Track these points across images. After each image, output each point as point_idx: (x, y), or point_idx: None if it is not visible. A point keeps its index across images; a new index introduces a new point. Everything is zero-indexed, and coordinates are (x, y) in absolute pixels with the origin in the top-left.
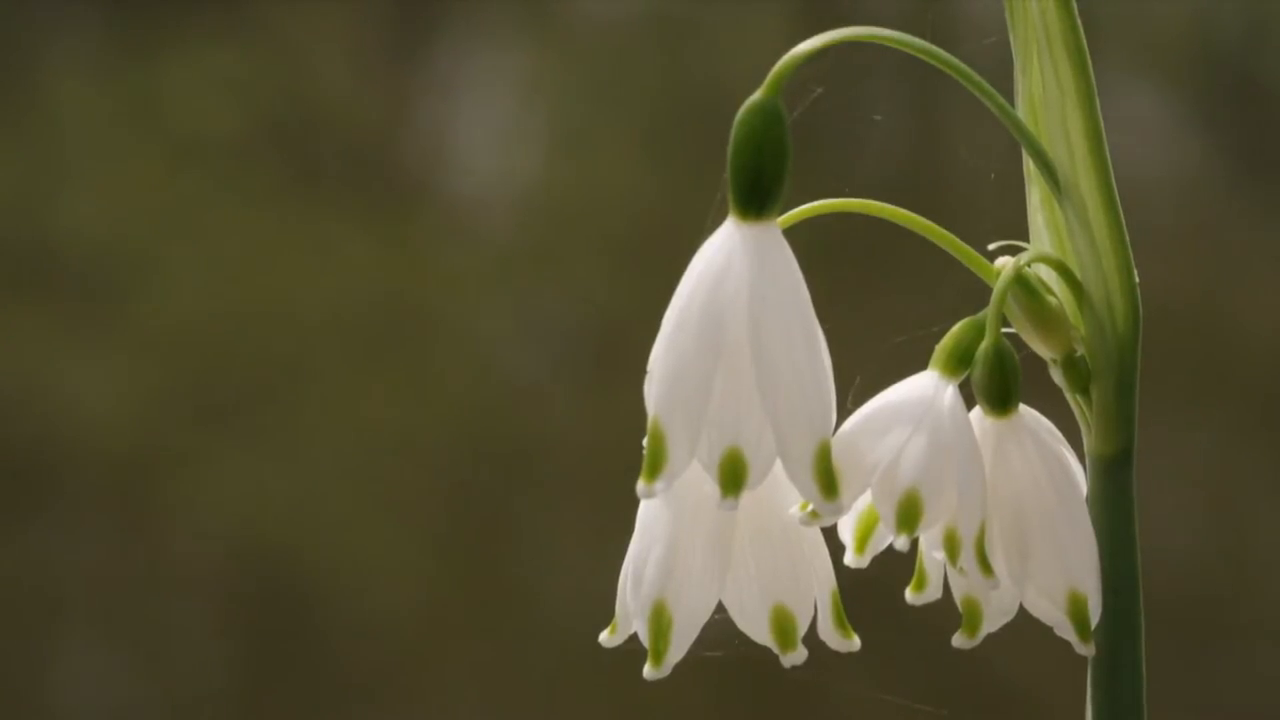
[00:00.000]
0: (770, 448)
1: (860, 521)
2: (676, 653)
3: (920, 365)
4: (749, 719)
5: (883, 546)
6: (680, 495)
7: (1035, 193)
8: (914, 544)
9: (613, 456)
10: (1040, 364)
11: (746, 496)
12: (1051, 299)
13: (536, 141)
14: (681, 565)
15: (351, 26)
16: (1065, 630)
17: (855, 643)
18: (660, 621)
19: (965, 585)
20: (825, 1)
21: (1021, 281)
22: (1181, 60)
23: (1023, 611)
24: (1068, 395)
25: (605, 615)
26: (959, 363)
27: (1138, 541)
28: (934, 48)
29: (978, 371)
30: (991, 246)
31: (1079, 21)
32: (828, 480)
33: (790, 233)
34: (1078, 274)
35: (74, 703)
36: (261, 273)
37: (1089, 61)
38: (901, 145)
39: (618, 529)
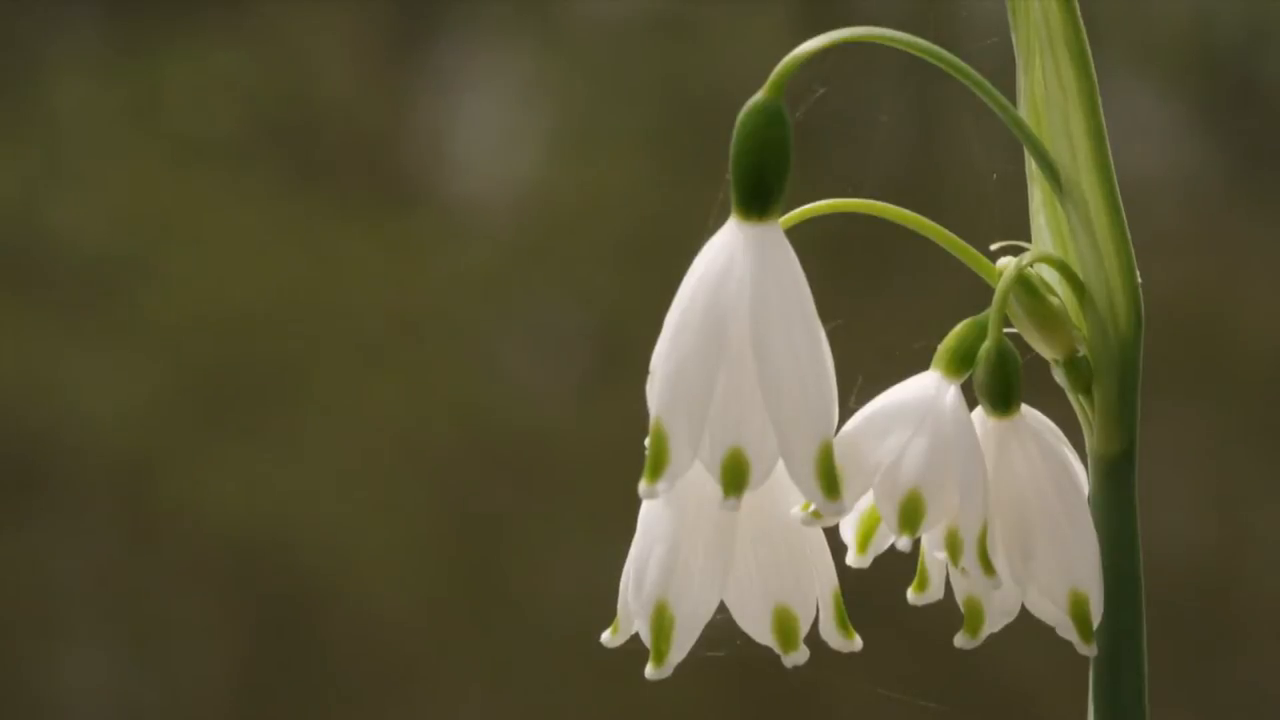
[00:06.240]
0: (772, 448)
1: (862, 522)
2: (678, 653)
3: (923, 365)
4: (750, 719)
5: (885, 547)
6: (682, 495)
7: (1037, 193)
8: (916, 544)
9: (614, 456)
10: (1042, 364)
11: (748, 497)
12: (1053, 299)
13: (537, 141)
14: (683, 565)
15: (352, 26)
16: (1067, 630)
17: (857, 643)
18: (662, 622)
19: (967, 585)
20: (826, 1)
21: (1023, 282)
22: (1182, 60)
23: (1024, 612)
24: (1070, 395)
25: (606, 615)
26: (961, 363)
27: (1139, 541)
28: (936, 48)
29: (980, 372)
30: (993, 247)
31: (1081, 21)
32: (830, 480)
33: (792, 233)
34: (1080, 274)
35: (74, 702)
36: (262, 272)
37: (1091, 61)
38: (903, 145)
39: (619, 529)
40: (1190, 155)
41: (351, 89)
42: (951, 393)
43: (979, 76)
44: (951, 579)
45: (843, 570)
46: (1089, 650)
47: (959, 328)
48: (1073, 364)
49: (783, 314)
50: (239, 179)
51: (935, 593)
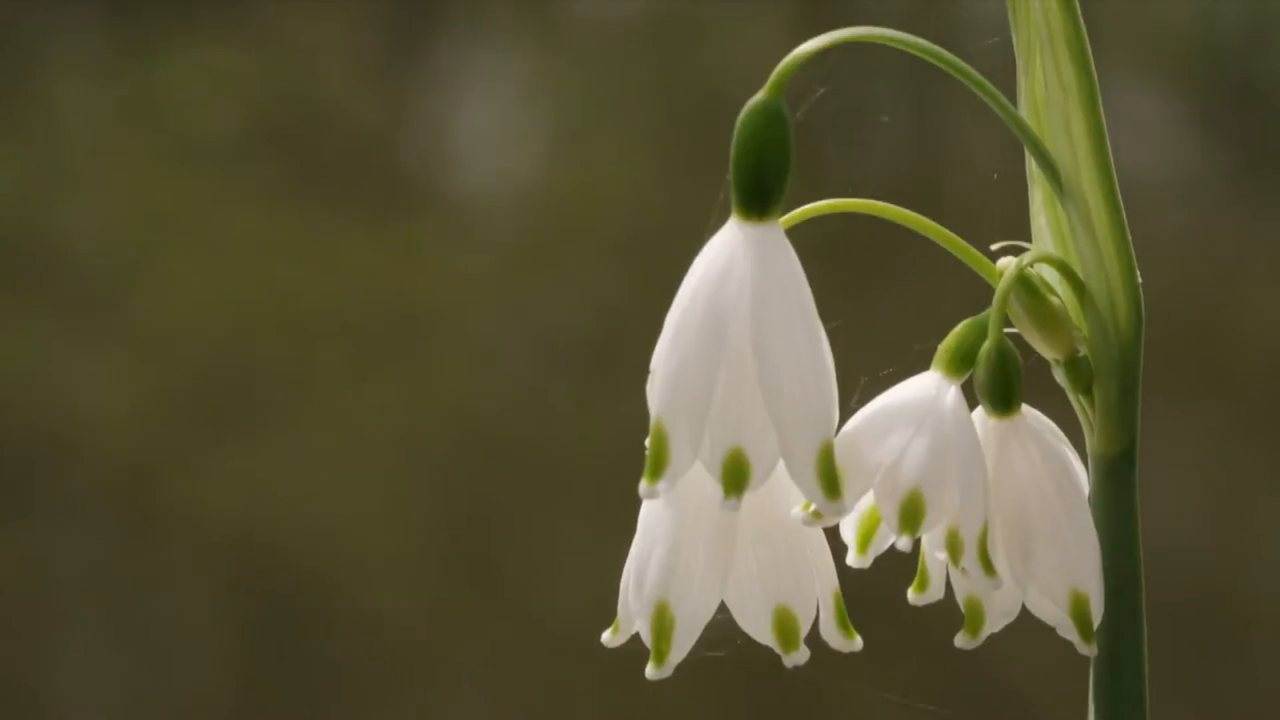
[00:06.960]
0: (773, 448)
1: (863, 522)
2: (678, 653)
3: (923, 366)
4: (750, 719)
5: (885, 547)
6: (682, 495)
7: (1038, 193)
8: (916, 544)
9: (614, 457)
10: (1043, 363)
11: (749, 497)
12: (1054, 299)
13: (537, 141)
14: (684, 565)
15: (352, 26)
16: (1067, 630)
17: (857, 643)
18: (662, 622)
19: (967, 585)
20: (826, 1)
21: (1024, 282)
22: (1182, 60)
23: (1024, 612)
24: (1070, 395)
25: (607, 615)
26: (961, 363)
27: (1140, 541)
28: (936, 48)
29: (980, 372)
30: (994, 247)
31: (1081, 21)
32: (830, 480)
33: (793, 233)
34: (1080, 274)
35: (74, 702)
36: (261, 272)
37: (1091, 61)
38: (904, 145)
39: (619, 529)
40: (1190, 155)
41: (351, 89)
42: (952, 393)
43: (979, 76)
44: (952, 579)
45: (843, 570)
46: (1089, 650)
47: (959, 328)
48: (1073, 364)
49: (783, 314)
50: (239, 179)
51: (936, 593)
